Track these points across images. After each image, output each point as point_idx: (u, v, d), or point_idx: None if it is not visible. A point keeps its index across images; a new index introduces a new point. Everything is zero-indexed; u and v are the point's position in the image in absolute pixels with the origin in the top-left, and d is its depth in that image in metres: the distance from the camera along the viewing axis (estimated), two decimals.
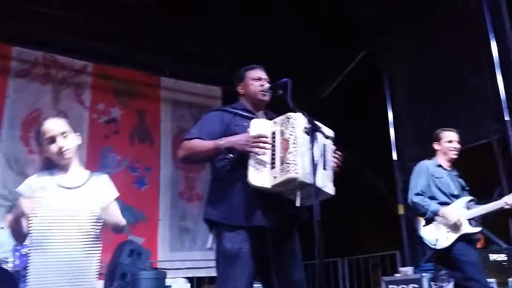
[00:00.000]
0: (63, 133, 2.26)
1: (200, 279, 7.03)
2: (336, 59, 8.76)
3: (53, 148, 2.24)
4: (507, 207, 3.47)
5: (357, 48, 8.40)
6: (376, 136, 7.95)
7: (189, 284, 6.44)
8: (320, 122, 2.36)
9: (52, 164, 2.29)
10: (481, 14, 6.04)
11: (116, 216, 2.29)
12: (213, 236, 2.45)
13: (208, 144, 2.41)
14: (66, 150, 2.25)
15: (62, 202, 2.17)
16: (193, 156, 2.50)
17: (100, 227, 2.25)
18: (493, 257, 4.76)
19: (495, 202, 3.53)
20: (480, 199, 3.77)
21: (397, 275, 5.71)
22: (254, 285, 2.41)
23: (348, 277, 7.76)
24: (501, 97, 5.71)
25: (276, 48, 7.89)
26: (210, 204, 2.46)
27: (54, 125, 2.27)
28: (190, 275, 6.93)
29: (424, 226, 3.62)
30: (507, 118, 5.62)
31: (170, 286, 5.89)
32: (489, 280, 4.24)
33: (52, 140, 2.24)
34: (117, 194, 2.35)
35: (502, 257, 4.80)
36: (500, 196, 5.31)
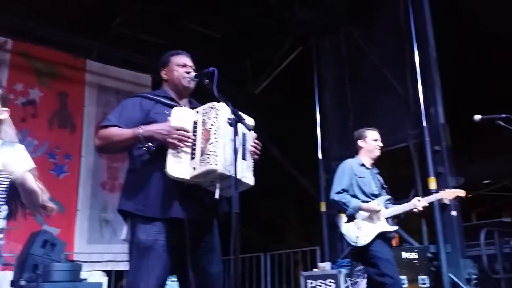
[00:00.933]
0: None
1: (119, 273, 6.80)
2: (270, 57, 8.85)
3: None
4: (415, 210, 3.65)
5: (291, 47, 8.51)
6: (304, 134, 8.12)
7: (106, 278, 6.23)
8: (251, 118, 2.33)
9: None
10: (408, 24, 6.33)
11: (33, 183, 2.10)
12: (127, 228, 2.35)
13: (126, 132, 2.30)
14: None
15: None
16: (110, 145, 2.37)
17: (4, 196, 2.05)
18: (405, 255, 5.02)
19: (408, 204, 3.71)
20: (397, 199, 3.95)
21: (316, 270, 5.85)
22: (170, 279, 2.33)
23: (270, 272, 7.85)
24: (421, 103, 6.02)
25: (211, 39, 7.81)
26: (126, 195, 2.35)
27: None
28: (109, 268, 6.70)
29: (345, 223, 3.73)
30: (424, 124, 5.93)
31: (85, 279, 5.67)
32: (400, 276, 4.43)
33: None
34: (33, 165, 2.18)
35: (413, 255, 5.07)
36: (415, 197, 5.65)
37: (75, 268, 5.35)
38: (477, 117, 3.09)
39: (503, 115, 3.03)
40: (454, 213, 5.25)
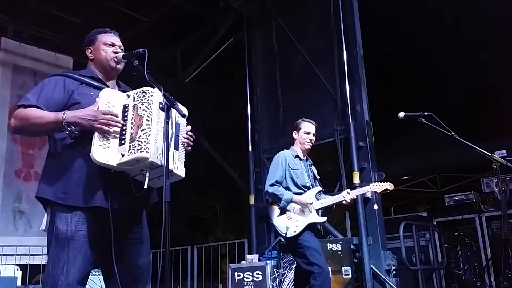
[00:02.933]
0: None
1: (34, 267, 6.41)
2: (201, 46, 8.69)
3: None
4: (344, 202, 3.74)
5: (223, 37, 8.41)
6: (235, 126, 8.07)
7: (20, 272, 5.97)
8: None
9: None
10: (337, 22, 6.48)
11: None
12: (47, 217, 2.16)
13: (47, 116, 2.11)
14: None
15: None
16: (28, 127, 2.17)
17: None
18: (330, 246, 5.13)
19: (337, 195, 3.79)
20: (325, 192, 4.03)
21: (244, 262, 5.85)
22: (93, 273, 2.19)
23: (196, 265, 7.77)
24: (347, 101, 6.18)
25: (138, 22, 7.50)
26: (45, 181, 2.17)
27: None
28: (23, 263, 6.38)
29: (278, 216, 3.73)
30: (350, 120, 6.10)
31: None
32: None
33: None
34: None
35: (337, 247, 5.21)
36: (340, 189, 5.81)
37: None
38: (401, 114, 3.20)
39: (426, 113, 3.16)
40: (376, 206, 5.45)
